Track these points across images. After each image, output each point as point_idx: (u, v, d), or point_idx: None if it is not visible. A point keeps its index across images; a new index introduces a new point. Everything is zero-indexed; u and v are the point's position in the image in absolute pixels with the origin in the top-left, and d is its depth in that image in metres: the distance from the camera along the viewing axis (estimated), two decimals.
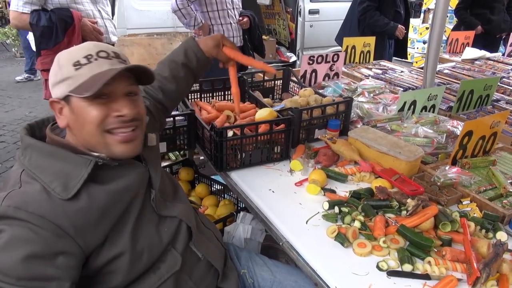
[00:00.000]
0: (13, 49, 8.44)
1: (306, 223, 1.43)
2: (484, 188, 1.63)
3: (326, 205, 1.49)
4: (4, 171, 3.79)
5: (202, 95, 2.22)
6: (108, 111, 0.99)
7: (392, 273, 1.21)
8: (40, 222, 0.87)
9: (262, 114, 1.84)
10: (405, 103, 2.13)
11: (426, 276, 1.20)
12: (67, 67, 0.98)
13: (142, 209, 1.11)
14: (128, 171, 1.09)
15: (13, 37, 7.71)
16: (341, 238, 1.32)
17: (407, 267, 1.22)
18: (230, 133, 1.68)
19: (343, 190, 1.62)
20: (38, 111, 5.35)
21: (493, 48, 4.61)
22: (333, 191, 1.60)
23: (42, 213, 0.89)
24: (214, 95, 2.26)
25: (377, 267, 1.23)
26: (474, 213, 1.47)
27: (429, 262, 1.24)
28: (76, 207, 0.94)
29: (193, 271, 1.22)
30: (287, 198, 1.57)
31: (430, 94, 2.20)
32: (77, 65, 0.97)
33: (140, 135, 1.08)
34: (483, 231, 1.39)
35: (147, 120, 1.18)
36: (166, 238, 1.16)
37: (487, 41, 4.77)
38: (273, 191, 1.61)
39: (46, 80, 3.27)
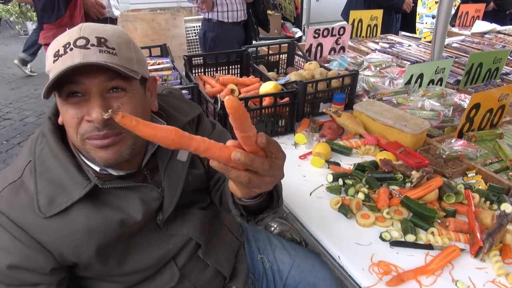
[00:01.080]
0: (16, 26, 8.38)
1: (310, 195, 1.43)
2: (490, 161, 1.61)
3: (330, 178, 1.49)
4: (11, 148, 3.82)
5: (206, 70, 2.20)
6: (82, 114, 0.82)
7: (395, 243, 1.21)
8: (18, 234, 0.83)
9: (266, 87, 1.83)
10: (412, 76, 2.10)
11: (428, 246, 1.20)
12: (50, 58, 0.83)
13: (141, 232, 0.98)
14: (132, 199, 0.93)
15: (16, 15, 7.64)
16: (345, 209, 1.32)
17: (410, 238, 1.22)
18: None
19: (347, 163, 1.61)
20: (43, 88, 5.35)
21: (502, 25, 4.50)
22: (338, 164, 1.60)
23: (23, 224, 0.84)
24: (218, 69, 2.23)
25: (380, 237, 1.23)
26: (479, 185, 1.47)
27: (432, 233, 1.24)
28: (58, 225, 0.85)
29: (198, 277, 1.12)
30: (291, 171, 1.57)
31: (438, 67, 2.16)
32: (56, 56, 0.81)
33: (126, 140, 0.86)
34: (488, 203, 1.38)
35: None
36: (169, 255, 1.05)
37: (497, 17, 4.65)
38: None
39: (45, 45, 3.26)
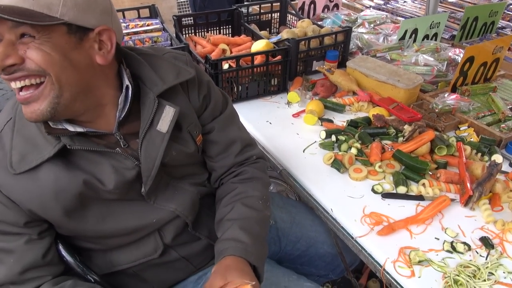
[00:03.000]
0: None
1: (303, 152, 1.44)
2: (483, 114, 1.62)
3: (323, 134, 1.49)
4: None
5: (197, 30, 2.15)
6: None
7: (386, 195, 1.23)
8: None
9: (258, 45, 1.79)
10: (406, 31, 2.06)
11: (419, 197, 1.22)
12: None
13: (122, 200, 0.94)
14: (104, 165, 0.88)
15: None
16: (337, 164, 1.33)
17: (402, 189, 1.24)
18: (225, 66, 1.65)
19: (340, 120, 1.61)
20: None
21: None
22: (331, 121, 1.60)
23: None
24: (209, 29, 2.18)
25: (372, 190, 1.25)
26: (471, 138, 1.48)
27: (423, 184, 1.26)
28: (27, 183, 0.84)
29: (188, 249, 1.08)
30: (284, 129, 1.57)
31: (433, 21, 2.12)
32: None
33: (42, 95, 0.79)
34: (479, 154, 1.40)
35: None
36: (151, 227, 1.00)
37: None
38: (270, 123, 1.61)
39: None
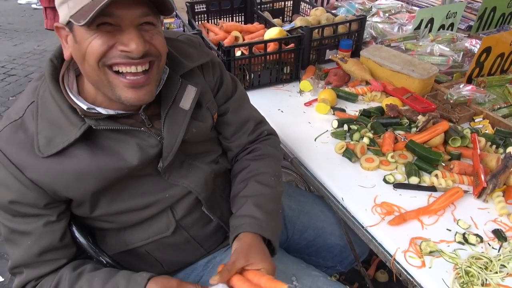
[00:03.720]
0: None
1: (315, 140, 1.43)
2: (499, 106, 1.59)
3: (335, 123, 1.48)
4: None
5: (209, 18, 2.14)
6: (113, 42, 0.80)
7: (398, 185, 1.22)
8: (13, 170, 0.85)
9: (271, 33, 1.78)
10: (421, 21, 2.02)
11: (432, 188, 1.21)
12: None
13: (139, 176, 0.96)
14: (129, 144, 0.91)
15: None
16: (349, 154, 1.32)
17: (414, 180, 1.23)
18: (238, 53, 1.64)
19: (353, 110, 1.60)
20: (46, 44, 5.27)
21: None
22: (343, 110, 1.59)
23: (17, 162, 0.85)
24: (222, 16, 2.17)
25: (384, 180, 1.24)
26: (486, 130, 1.45)
27: (436, 175, 1.24)
28: (52, 165, 0.86)
29: (199, 231, 1.09)
30: (296, 118, 1.56)
31: (449, 11, 2.08)
32: None
33: (154, 77, 0.87)
34: (494, 146, 1.37)
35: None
36: (164, 203, 1.01)
37: None
38: (282, 111, 1.60)
39: (46, 8, 3.17)
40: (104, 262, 1.00)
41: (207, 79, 1.07)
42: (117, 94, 0.84)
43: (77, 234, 0.97)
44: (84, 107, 0.87)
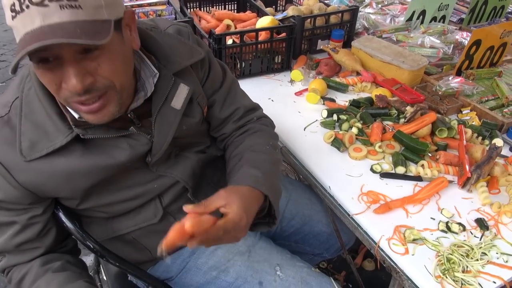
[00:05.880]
0: None
1: (304, 130, 1.44)
2: (486, 98, 1.61)
3: (325, 113, 1.49)
4: None
5: (202, 6, 2.12)
6: (59, 80, 0.73)
7: (385, 175, 1.24)
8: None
9: (263, 22, 1.77)
10: (413, 13, 2.03)
11: (418, 178, 1.23)
12: (7, 10, 0.68)
13: (127, 170, 0.94)
14: (117, 149, 0.89)
15: None
16: (338, 143, 1.33)
17: (400, 170, 1.24)
18: (229, 41, 1.64)
19: (343, 100, 1.61)
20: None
21: None
22: (333, 100, 1.59)
23: (3, 160, 0.83)
24: (214, 4, 2.16)
25: (371, 169, 1.26)
26: (473, 122, 1.47)
27: (422, 165, 1.26)
28: (38, 167, 0.84)
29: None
30: (286, 107, 1.57)
31: (441, 3, 2.08)
32: (13, 11, 0.67)
33: (114, 99, 0.79)
34: (480, 138, 1.39)
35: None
36: (152, 193, 1.01)
37: None
38: (272, 100, 1.60)
39: None
40: (91, 246, 1.00)
41: (197, 74, 1.05)
42: (82, 115, 0.81)
43: (64, 218, 0.97)
44: (76, 115, 0.83)
